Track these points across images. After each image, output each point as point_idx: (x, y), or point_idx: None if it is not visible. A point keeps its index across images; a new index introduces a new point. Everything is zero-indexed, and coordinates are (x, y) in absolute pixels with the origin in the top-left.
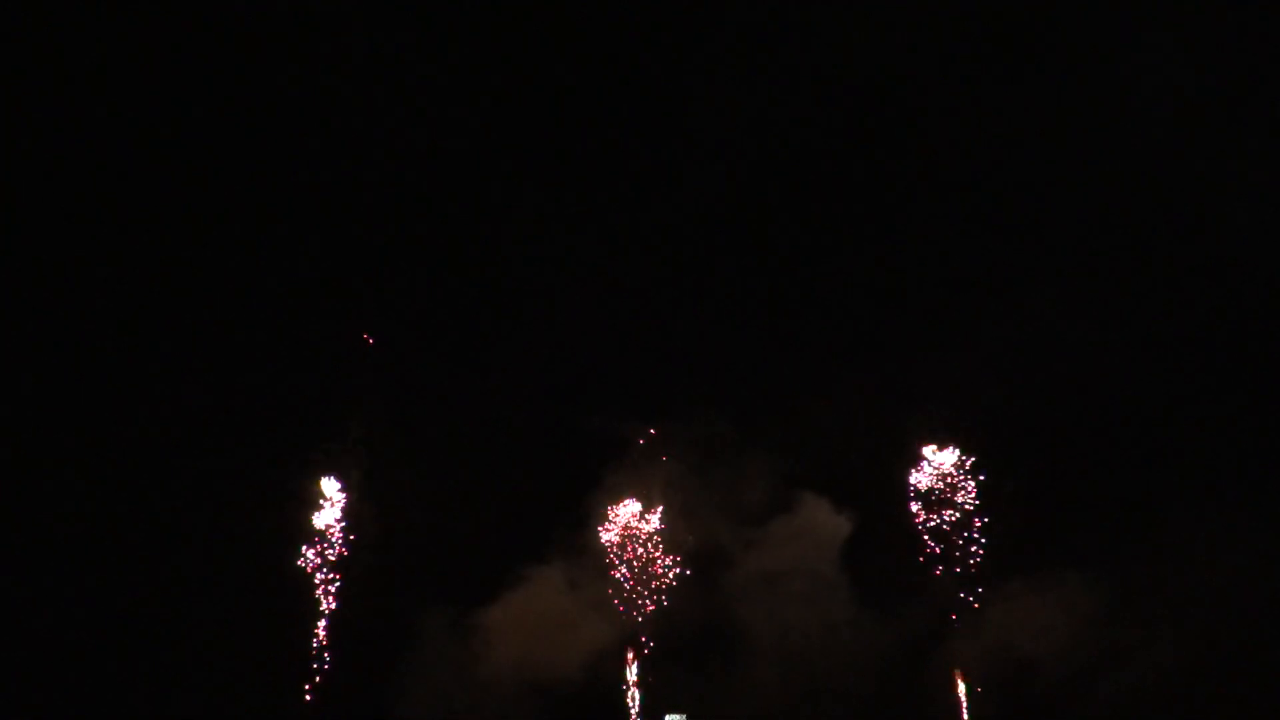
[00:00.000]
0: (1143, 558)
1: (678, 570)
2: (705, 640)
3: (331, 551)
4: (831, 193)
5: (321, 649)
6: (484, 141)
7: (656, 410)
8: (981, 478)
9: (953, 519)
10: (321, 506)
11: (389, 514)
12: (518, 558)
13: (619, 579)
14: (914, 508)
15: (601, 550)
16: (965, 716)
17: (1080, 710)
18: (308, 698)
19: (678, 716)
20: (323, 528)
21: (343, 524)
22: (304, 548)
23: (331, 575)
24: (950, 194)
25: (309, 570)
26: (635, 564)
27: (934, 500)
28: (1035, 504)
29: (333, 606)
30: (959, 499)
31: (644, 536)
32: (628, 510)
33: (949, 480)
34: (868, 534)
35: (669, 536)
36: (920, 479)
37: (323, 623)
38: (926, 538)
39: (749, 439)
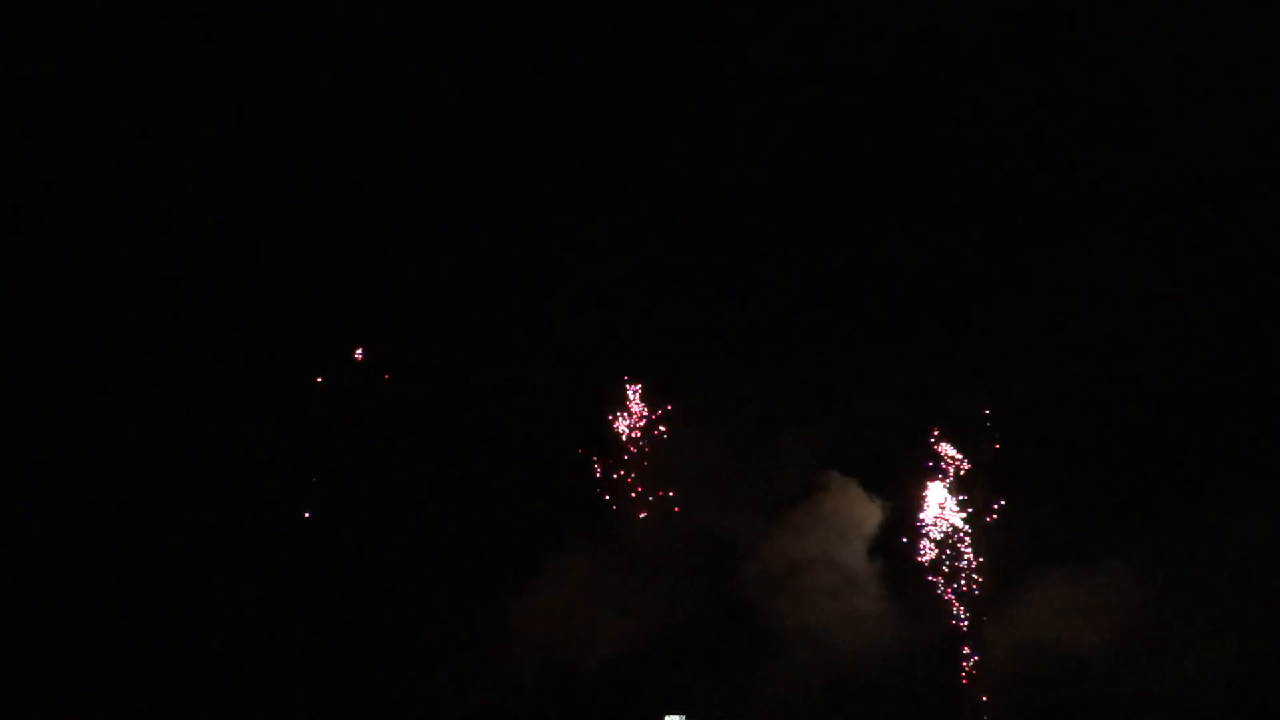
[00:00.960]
0: (1192, 544)
1: (690, 558)
2: (716, 635)
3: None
4: (874, 169)
5: (330, 644)
6: (509, 112)
7: (677, 386)
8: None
9: (987, 505)
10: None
11: (401, 500)
12: (540, 545)
13: (641, 568)
14: (947, 492)
15: (629, 536)
16: (998, 715)
17: (1123, 708)
18: (316, 695)
19: (677, 718)
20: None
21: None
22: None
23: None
24: (1002, 171)
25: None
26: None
27: (968, 484)
28: (1076, 487)
29: (341, 600)
30: (994, 484)
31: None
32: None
33: (984, 464)
34: (899, 521)
35: (683, 519)
36: (953, 462)
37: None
38: (960, 525)
39: (775, 415)
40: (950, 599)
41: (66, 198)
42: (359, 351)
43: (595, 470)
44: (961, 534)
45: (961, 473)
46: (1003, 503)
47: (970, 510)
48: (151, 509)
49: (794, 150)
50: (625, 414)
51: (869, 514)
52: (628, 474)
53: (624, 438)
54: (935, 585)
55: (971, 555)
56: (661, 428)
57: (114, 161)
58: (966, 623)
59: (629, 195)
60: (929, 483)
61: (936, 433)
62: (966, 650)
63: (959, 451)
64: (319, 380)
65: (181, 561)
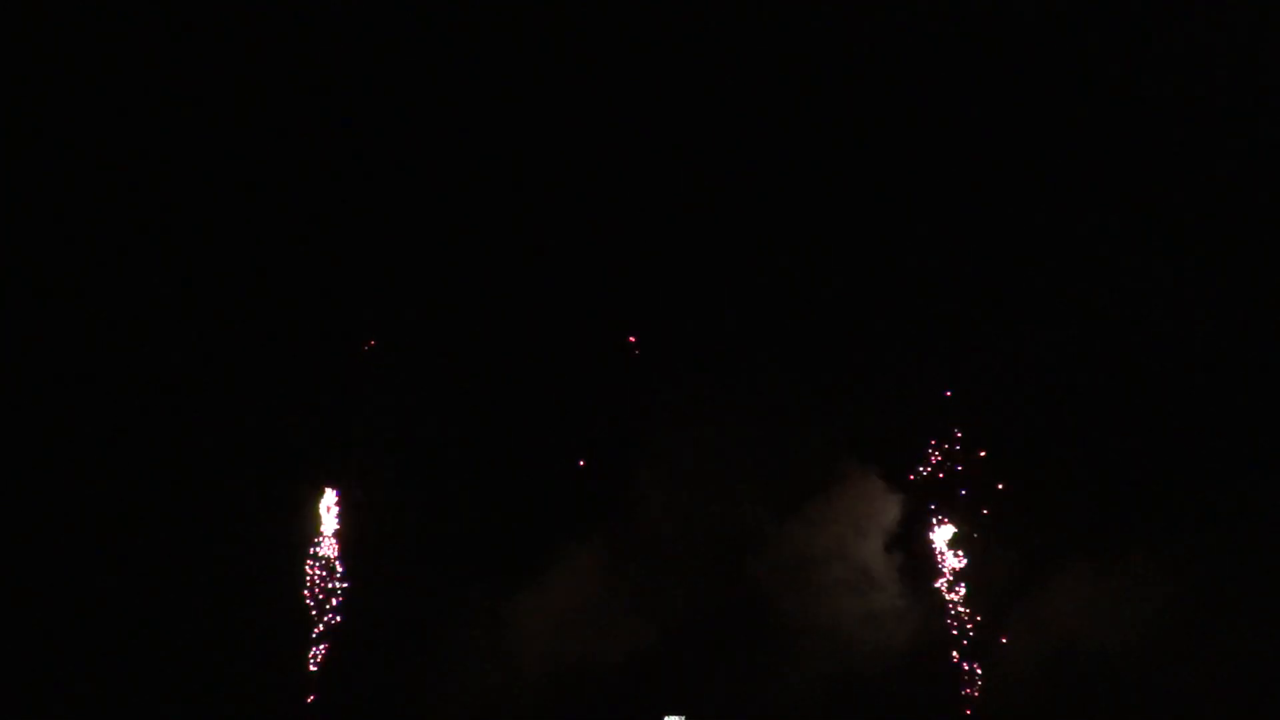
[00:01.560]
0: (1223, 537)
1: (698, 553)
2: (721, 633)
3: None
4: (900, 157)
5: (333, 644)
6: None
7: (688, 371)
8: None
9: (1010, 498)
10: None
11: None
12: (550, 537)
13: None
14: (969, 485)
15: (637, 530)
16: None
17: (1151, 707)
18: (315, 698)
19: (677, 718)
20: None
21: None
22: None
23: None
24: (1035, 155)
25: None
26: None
27: (991, 477)
28: (1102, 480)
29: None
30: (1018, 476)
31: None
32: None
33: (1007, 455)
34: (919, 515)
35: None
36: (976, 454)
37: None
38: (982, 519)
39: (789, 401)
40: (971, 596)
41: (66, 198)
42: (366, 346)
43: (602, 462)
44: (984, 528)
45: (984, 465)
46: (1026, 496)
47: (993, 503)
48: (156, 506)
49: (811, 140)
50: (631, 401)
51: (888, 506)
52: (634, 465)
53: (629, 427)
54: (956, 581)
55: (993, 550)
56: (670, 413)
57: (113, 161)
58: (988, 620)
59: (645, 182)
60: (951, 474)
61: (959, 423)
62: (987, 649)
63: (982, 442)
64: (323, 375)
65: (184, 560)
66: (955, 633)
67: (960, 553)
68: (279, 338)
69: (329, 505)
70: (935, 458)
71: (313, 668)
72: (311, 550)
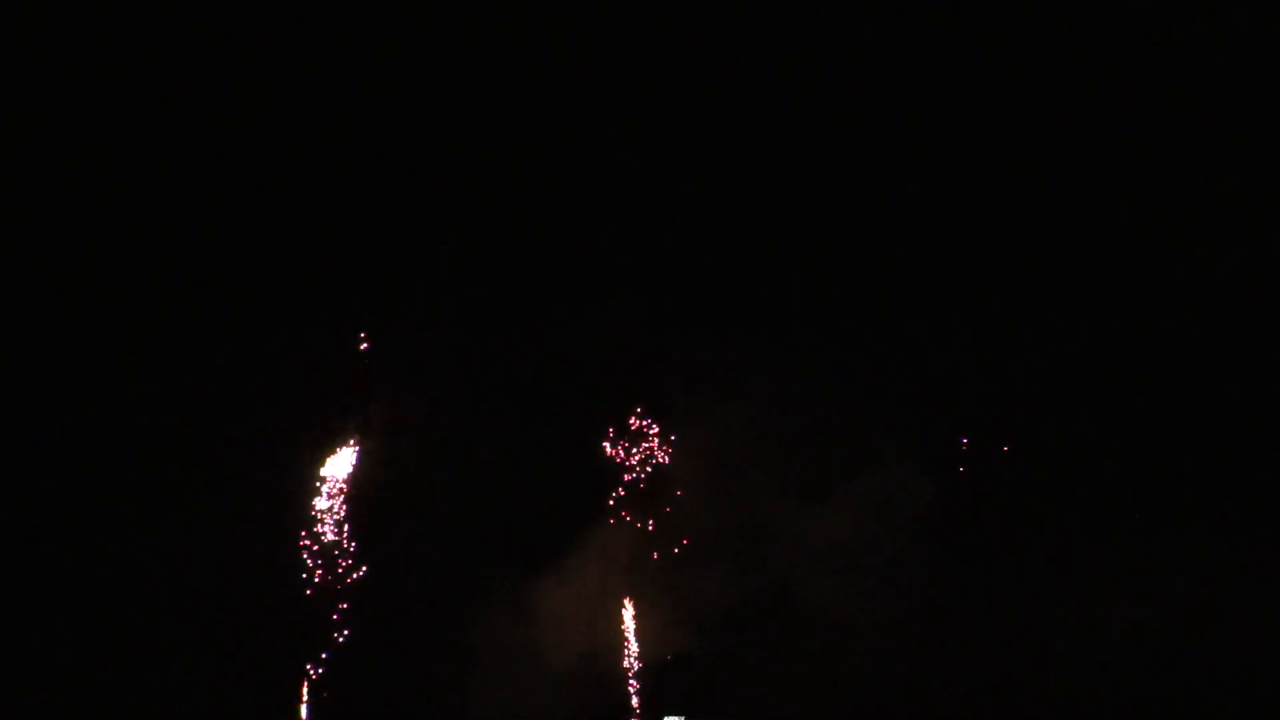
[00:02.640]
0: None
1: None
2: (738, 628)
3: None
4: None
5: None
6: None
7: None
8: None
9: (1049, 485)
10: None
11: (417, 469)
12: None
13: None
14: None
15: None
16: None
17: (1194, 704)
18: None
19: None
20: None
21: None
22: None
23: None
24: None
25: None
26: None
27: (1028, 462)
28: (1147, 465)
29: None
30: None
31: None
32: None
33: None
34: (953, 502)
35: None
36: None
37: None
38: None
39: (819, 377)
40: (1005, 589)
41: (66, 198)
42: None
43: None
44: (1020, 516)
45: (1022, 453)
46: (1066, 485)
47: (1031, 491)
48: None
49: (847, 122)
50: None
51: (921, 492)
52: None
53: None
54: (991, 573)
55: (1030, 541)
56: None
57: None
58: (1022, 614)
59: (671, 160)
60: (985, 459)
61: (997, 408)
62: (1021, 644)
63: (1020, 425)
64: (332, 362)
65: (185, 550)
66: (987, 628)
67: (997, 544)
68: (289, 320)
69: (340, 488)
70: (971, 443)
71: (325, 661)
72: (320, 536)
